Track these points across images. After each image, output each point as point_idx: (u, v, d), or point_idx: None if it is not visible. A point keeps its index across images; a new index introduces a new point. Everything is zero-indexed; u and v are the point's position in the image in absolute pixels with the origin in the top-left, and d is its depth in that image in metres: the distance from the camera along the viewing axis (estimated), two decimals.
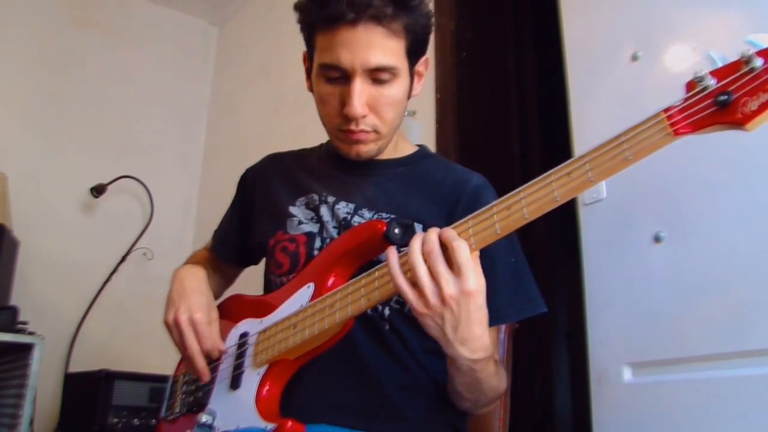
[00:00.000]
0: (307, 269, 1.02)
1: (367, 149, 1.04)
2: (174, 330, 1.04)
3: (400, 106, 1.03)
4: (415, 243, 0.79)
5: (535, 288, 1.03)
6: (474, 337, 0.81)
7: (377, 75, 0.98)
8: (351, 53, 0.95)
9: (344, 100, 0.98)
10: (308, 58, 1.07)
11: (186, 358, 1.04)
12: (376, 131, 1.02)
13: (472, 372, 0.86)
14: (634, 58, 1.38)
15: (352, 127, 1.00)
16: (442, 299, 0.77)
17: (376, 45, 0.96)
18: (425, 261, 0.78)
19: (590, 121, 1.48)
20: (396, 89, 1.01)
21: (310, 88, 1.10)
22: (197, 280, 1.11)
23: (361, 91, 0.97)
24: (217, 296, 1.19)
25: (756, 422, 1.06)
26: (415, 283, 0.79)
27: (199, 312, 1.03)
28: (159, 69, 3.14)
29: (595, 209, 1.40)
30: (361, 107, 0.97)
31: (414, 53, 1.03)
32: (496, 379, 0.92)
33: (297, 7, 1.03)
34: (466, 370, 0.86)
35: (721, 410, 1.11)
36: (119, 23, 3.07)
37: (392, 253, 0.82)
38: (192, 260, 1.24)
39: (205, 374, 1.02)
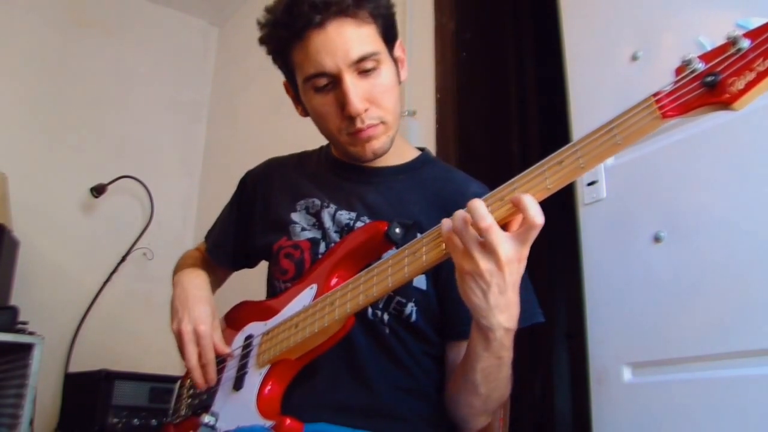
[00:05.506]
0: (310, 272, 1.02)
1: (380, 144, 1.03)
2: (178, 339, 1.05)
3: (394, 91, 1.03)
4: (458, 219, 0.76)
5: (535, 297, 1.03)
6: (513, 303, 0.78)
7: (362, 66, 0.98)
8: (330, 54, 0.96)
9: (342, 103, 0.98)
10: (291, 83, 1.09)
11: (187, 369, 1.05)
12: (382, 122, 1.02)
13: (501, 349, 0.83)
14: (634, 58, 1.37)
15: (359, 125, 0.99)
16: (498, 263, 0.74)
17: (351, 37, 0.97)
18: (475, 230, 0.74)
19: (590, 121, 1.46)
20: (385, 75, 1.01)
21: (303, 113, 1.11)
22: (200, 288, 1.10)
23: (354, 86, 0.97)
24: None
25: (756, 422, 1.06)
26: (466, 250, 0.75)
27: (203, 324, 1.03)
28: (159, 69, 3.14)
29: (595, 209, 1.40)
30: (360, 102, 0.97)
31: (387, 37, 1.03)
32: (508, 369, 0.90)
33: (263, 40, 1.05)
34: (497, 347, 0.82)
35: (721, 410, 1.11)
36: (119, 23, 3.07)
37: (445, 221, 0.78)
38: (188, 262, 1.23)
39: (202, 385, 1.03)
